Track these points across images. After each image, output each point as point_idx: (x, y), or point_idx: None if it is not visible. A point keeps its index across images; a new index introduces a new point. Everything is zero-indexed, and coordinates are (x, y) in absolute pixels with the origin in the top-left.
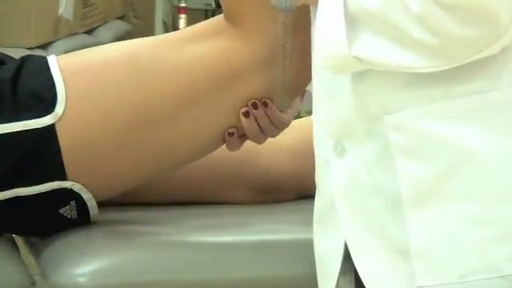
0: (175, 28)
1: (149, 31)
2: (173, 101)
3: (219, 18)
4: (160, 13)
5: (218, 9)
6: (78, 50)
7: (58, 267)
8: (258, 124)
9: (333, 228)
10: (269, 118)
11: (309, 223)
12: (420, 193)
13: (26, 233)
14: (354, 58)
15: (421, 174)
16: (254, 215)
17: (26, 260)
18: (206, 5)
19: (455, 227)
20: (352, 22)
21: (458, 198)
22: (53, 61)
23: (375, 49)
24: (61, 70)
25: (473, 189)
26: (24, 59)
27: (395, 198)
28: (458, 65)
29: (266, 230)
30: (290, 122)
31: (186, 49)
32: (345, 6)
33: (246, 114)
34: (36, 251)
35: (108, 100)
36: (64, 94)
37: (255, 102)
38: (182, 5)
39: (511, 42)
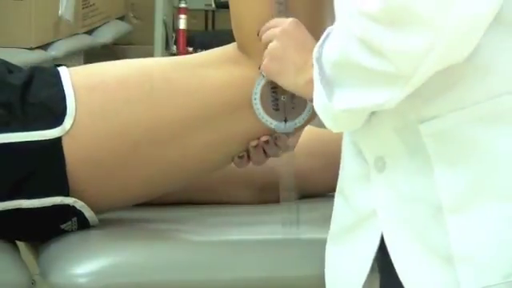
0: (175, 28)
1: (149, 31)
2: (184, 124)
3: (233, 46)
4: (160, 13)
5: (217, 9)
6: (78, 50)
7: (58, 267)
8: (265, 151)
9: (364, 240)
10: (277, 147)
11: (309, 223)
12: (459, 198)
13: (26, 240)
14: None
15: (459, 179)
16: (254, 215)
17: (26, 260)
18: (206, 5)
19: (496, 227)
20: (330, 82)
21: (497, 198)
22: (65, 73)
23: (352, 98)
24: (73, 84)
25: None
26: (35, 69)
27: (436, 205)
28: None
29: (266, 229)
30: (296, 145)
31: (201, 73)
32: (322, 72)
33: (256, 146)
34: (36, 251)
35: (119, 118)
36: (74, 108)
37: (268, 140)
38: (182, 5)
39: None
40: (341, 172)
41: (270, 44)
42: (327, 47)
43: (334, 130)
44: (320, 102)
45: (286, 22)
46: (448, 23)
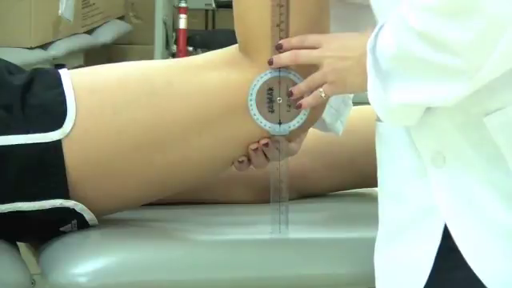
0: (175, 28)
1: (149, 31)
2: (184, 126)
3: (235, 48)
4: (160, 13)
5: (218, 9)
6: (78, 49)
7: (58, 267)
8: (266, 155)
9: (424, 237)
10: (278, 150)
11: (309, 222)
12: None
13: (25, 241)
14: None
15: None
16: (254, 215)
17: (26, 260)
18: (206, 5)
19: None
20: (386, 75)
21: None
22: (65, 76)
23: (412, 92)
24: (73, 86)
25: None
26: (36, 71)
27: (509, 192)
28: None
29: (266, 229)
30: (299, 150)
31: (202, 76)
32: (376, 64)
33: (256, 149)
34: (36, 251)
35: (119, 121)
36: (74, 111)
37: (267, 143)
38: (182, 5)
39: None
40: (384, 170)
41: (322, 72)
42: (382, 39)
43: (390, 124)
44: (375, 95)
45: (325, 42)
46: None
